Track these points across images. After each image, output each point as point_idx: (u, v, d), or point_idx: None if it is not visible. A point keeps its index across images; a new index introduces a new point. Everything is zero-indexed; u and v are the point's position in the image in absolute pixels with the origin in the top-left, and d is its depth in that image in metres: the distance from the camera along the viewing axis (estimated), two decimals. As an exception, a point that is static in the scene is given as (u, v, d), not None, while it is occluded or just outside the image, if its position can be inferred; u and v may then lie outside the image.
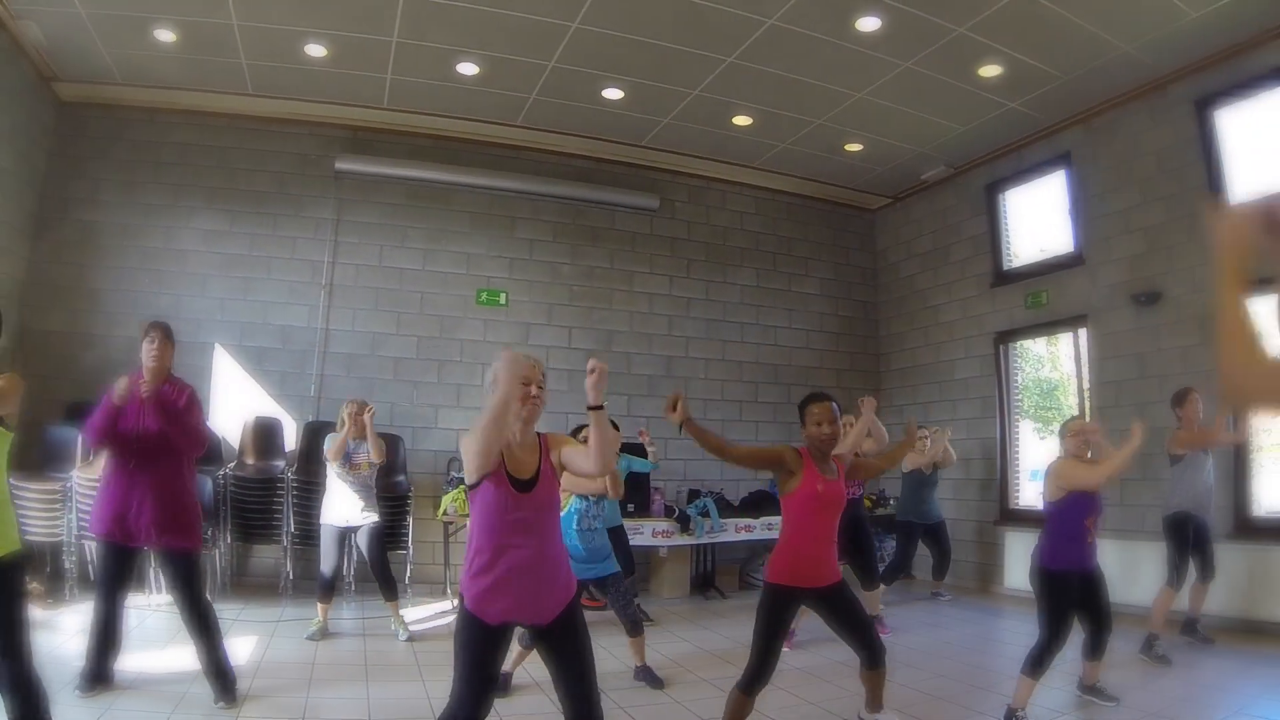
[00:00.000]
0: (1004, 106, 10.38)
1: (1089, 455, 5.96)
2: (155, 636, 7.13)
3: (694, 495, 11.32)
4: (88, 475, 8.33)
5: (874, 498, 12.00)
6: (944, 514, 10.91)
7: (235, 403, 10.16)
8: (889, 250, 14.17)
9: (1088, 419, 9.07)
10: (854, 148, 11.91)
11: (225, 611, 6.63)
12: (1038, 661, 5.51)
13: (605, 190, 12.23)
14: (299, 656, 6.98)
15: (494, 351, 10.78)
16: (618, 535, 8.19)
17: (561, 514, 6.11)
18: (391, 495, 9.62)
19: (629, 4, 8.45)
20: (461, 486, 9.72)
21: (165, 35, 8.98)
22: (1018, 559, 10.72)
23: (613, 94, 10.42)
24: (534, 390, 3.81)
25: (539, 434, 3.90)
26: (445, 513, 9.70)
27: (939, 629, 9.03)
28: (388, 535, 8.57)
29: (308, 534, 9.45)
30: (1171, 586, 7.66)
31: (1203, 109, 9.30)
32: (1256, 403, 1.86)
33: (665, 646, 7.65)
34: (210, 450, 7.88)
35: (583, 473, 3.87)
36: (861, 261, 14.29)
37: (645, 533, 10.11)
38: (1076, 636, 5.80)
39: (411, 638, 7.81)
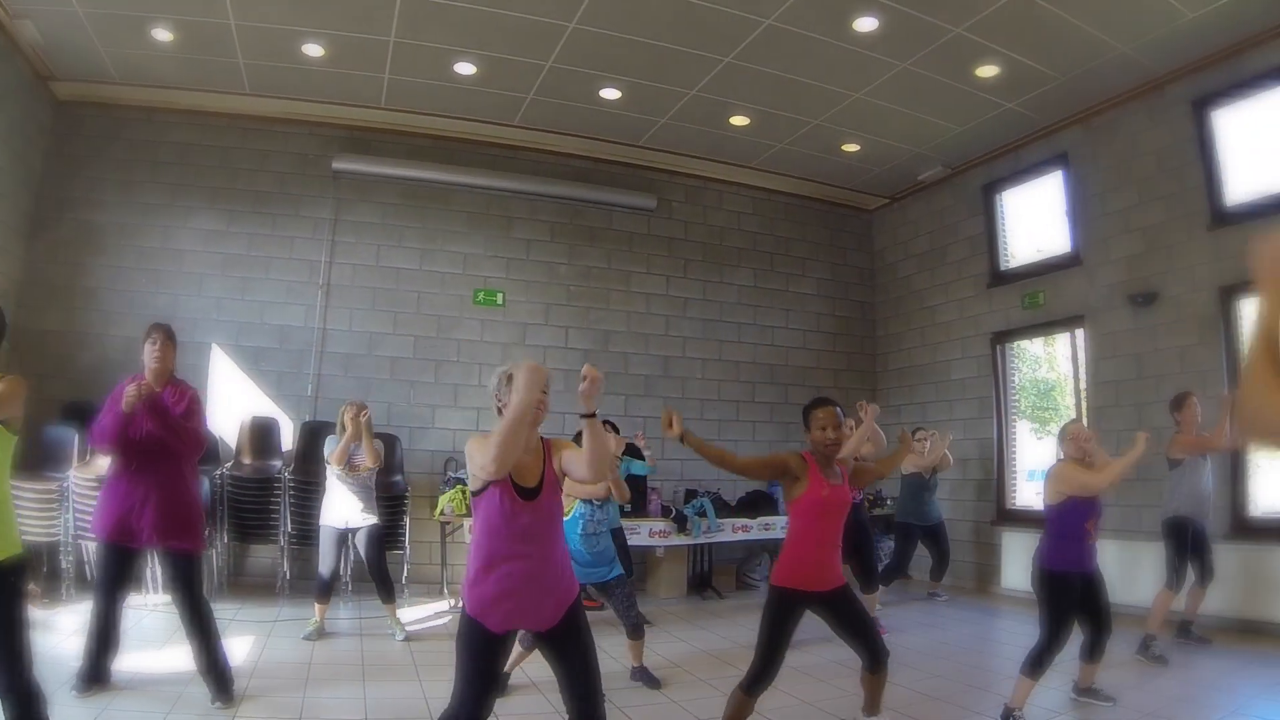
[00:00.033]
0: (1001, 107, 10.38)
1: (1088, 459, 5.96)
2: (152, 636, 7.12)
3: (691, 495, 11.30)
4: (85, 475, 8.34)
5: (872, 498, 11.98)
6: (943, 514, 10.92)
7: (232, 402, 10.15)
8: (886, 250, 14.17)
9: (1084, 420, 9.09)
10: (851, 148, 11.91)
11: (222, 611, 6.63)
12: (1037, 662, 5.52)
13: (602, 190, 12.23)
14: (296, 656, 6.96)
15: (491, 351, 10.95)
16: (617, 536, 8.18)
17: (566, 519, 6.13)
18: (388, 495, 9.61)
19: (626, 4, 8.45)
20: (459, 486, 9.73)
21: (162, 34, 8.97)
22: (1015, 559, 10.74)
23: (610, 94, 10.42)
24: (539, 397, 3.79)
25: (542, 439, 3.89)
26: (442, 512, 9.69)
27: (936, 629, 9.04)
28: (385, 536, 8.55)
29: (305, 534, 9.46)
30: (1171, 588, 7.67)
31: (1200, 109, 9.30)
32: (1275, 439, 1.84)
33: (662, 647, 7.65)
34: (207, 450, 7.86)
35: (580, 479, 3.86)
36: (858, 262, 14.29)
37: (642, 533, 10.10)
38: (1076, 637, 5.81)
39: (408, 638, 7.80)
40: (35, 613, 5.11)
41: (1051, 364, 12.66)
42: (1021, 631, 8.24)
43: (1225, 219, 9.00)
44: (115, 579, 5.57)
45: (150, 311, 9.70)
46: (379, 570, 7.90)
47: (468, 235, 11.58)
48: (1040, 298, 11.16)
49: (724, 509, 11.14)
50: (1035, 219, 11.78)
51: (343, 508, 7.80)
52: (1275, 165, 8.54)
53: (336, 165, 10.91)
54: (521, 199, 11.88)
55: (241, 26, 8.86)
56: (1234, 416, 1.73)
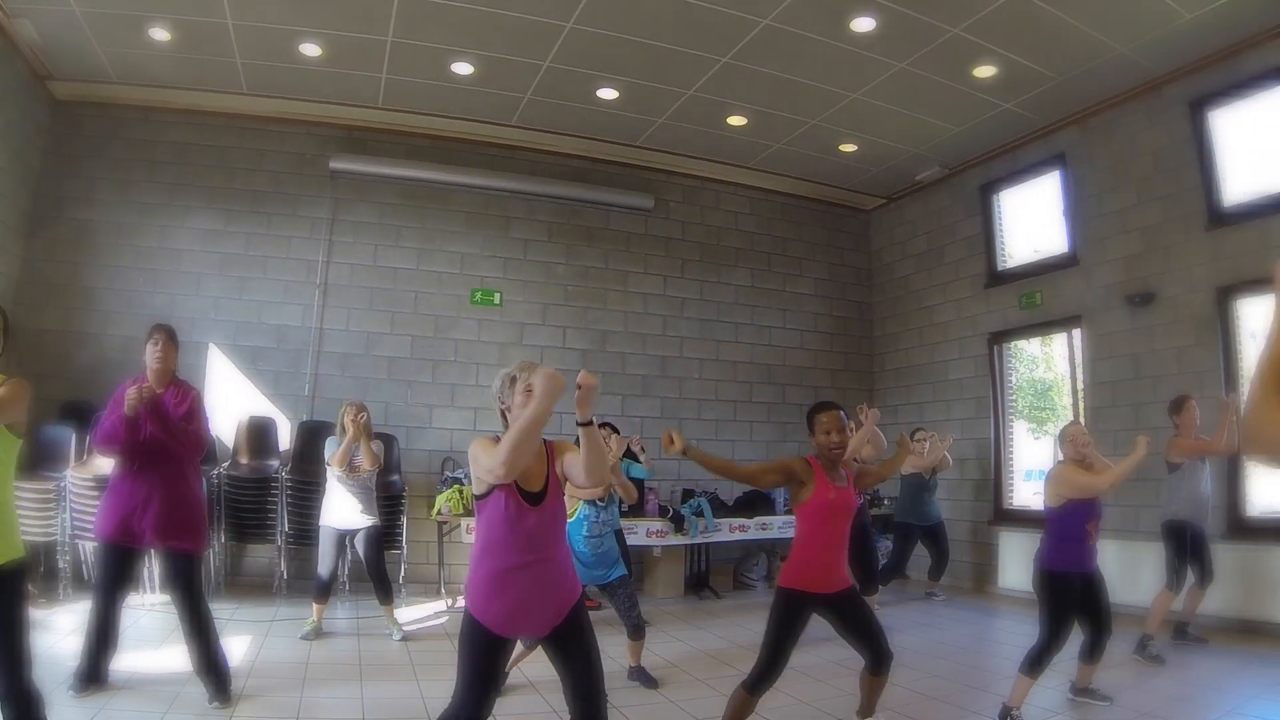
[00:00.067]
0: (999, 107, 10.39)
1: (1088, 461, 5.97)
2: (150, 636, 7.11)
3: (688, 495, 11.29)
4: (82, 475, 8.33)
5: (869, 498, 11.98)
6: (942, 515, 10.94)
7: (229, 402, 10.14)
8: (883, 251, 14.17)
9: (1082, 421, 9.09)
10: (849, 148, 11.92)
11: (219, 611, 6.62)
12: (1036, 661, 5.54)
13: (600, 190, 12.23)
14: (293, 656, 6.96)
15: (488, 351, 10.98)
16: (617, 537, 8.19)
17: (570, 520, 6.13)
18: (385, 495, 9.59)
19: (624, 4, 8.45)
20: (456, 486, 9.74)
21: (160, 34, 8.96)
22: (1012, 559, 10.76)
23: (607, 94, 10.41)
24: None
25: (545, 441, 3.87)
26: (439, 512, 9.69)
27: (933, 629, 9.04)
28: (384, 536, 8.54)
29: (302, 534, 9.46)
30: (1171, 589, 7.70)
31: (1198, 110, 9.31)
32: (1276, 456, 1.84)
33: (659, 646, 7.64)
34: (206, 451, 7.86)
35: (579, 485, 3.85)
36: (856, 262, 14.30)
37: (639, 533, 10.10)
38: (1075, 637, 5.82)
39: (405, 638, 7.80)
40: (33, 613, 5.11)
41: (1049, 364, 12.68)
42: (1019, 631, 8.26)
43: (1222, 220, 9.01)
44: (115, 579, 5.56)
45: (148, 311, 9.72)
46: (378, 571, 7.89)
47: (465, 235, 11.58)
48: (1037, 298, 11.17)
49: (721, 509, 11.13)
50: (1033, 219, 11.79)
51: (343, 509, 7.79)
52: (1272, 166, 8.56)
53: (334, 165, 10.90)
54: (519, 199, 11.88)
55: (239, 26, 8.86)
56: (1237, 429, 1.73)
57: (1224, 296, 8.95)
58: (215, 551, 9.21)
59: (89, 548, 8.45)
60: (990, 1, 8.09)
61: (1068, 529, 5.76)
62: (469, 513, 9.58)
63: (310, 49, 9.36)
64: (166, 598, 6.61)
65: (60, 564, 8.25)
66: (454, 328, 11.34)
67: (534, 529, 3.65)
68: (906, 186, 13.34)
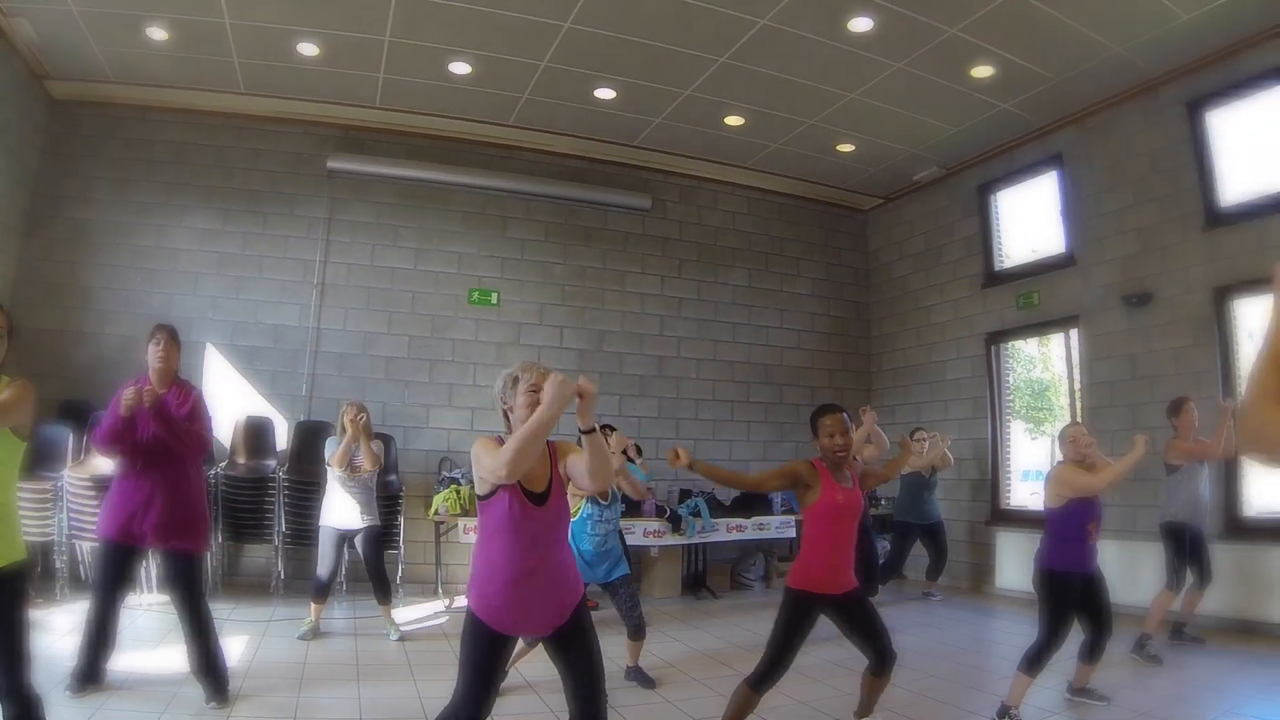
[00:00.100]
0: (996, 107, 10.40)
1: (1088, 461, 5.98)
2: (147, 636, 7.11)
3: (685, 495, 11.30)
4: (79, 475, 8.33)
5: (868, 499, 11.98)
6: (942, 514, 10.96)
7: (227, 402, 10.12)
8: (881, 251, 14.18)
9: (1079, 420, 9.10)
10: (846, 148, 11.92)
11: (217, 611, 6.59)
12: (1035, 660, 5.55)
13: (597, 190, 12.23)
14: (290, 656, 6.96)
15: (486, 351, 10.99)
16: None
17: (573, 519, 6.14)
18: (383, 495, 9.57)
19: (621, 4, 8.45)
20: (454, 486, 9.74)
21: (157, 33, 8.96)
22: (1010, 559, 10.77)
23: (605, 94, 10.41)
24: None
25: (548, 442, 3.86)
26: (437, 512, 9.69)
27: (931, 629, 9.04)
28: (383, 536, 8.54)
29: (299, 534, 9.47)
30: (1170, 589, 7.72)
31: (1195, 110, 9.32)
32: (1276, 456, 1.84)
33: (656, 646, 7.62)
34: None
35: (583, 487, 3.85)
36: (853, 262, 14.30)
37: (637, 533, 10.10)
38: (1074, 637, 5.82)
39: (403, 638, 7.80)
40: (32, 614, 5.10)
41: (1046, 364, 12.69)
42: (1017, 631, 8.27)
43: (1220, 220, 9.02)
44: (115, 579, 5.56)
45: (145, 310, 9.73)
46: (377, 571, 7.89)
47: (463, 235, 11.58)
48: (1035, 298, 11.18)
49: (718, 509, 11.13)
50: (1030, 219, 11.80)
51: (343, 509, 7.78)
52: (1269, 166, 8.57)
53: (331, 165, 10.90)
54: (516, 199, 11.88)
55: (236, 25, 8.85)
56: (1236, 430, 1.73)
57: (1221, 297, 8.96)
58: (212, 551, 9.19)
59: (86, 548, 8.45)
60: (988, 2, 8.09)
61: (1068, 529, 5.77)
62: (466, 513, 9.61)
63: (308, 48, 9.35)
64: (165, 598, 6.60)
65: (57, 564, 8.24)
66: (451, 328, 11.34)
67: (537, 529, 3.65)
68: (904, 186, 13.34)
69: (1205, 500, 7.90)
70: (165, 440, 5.47)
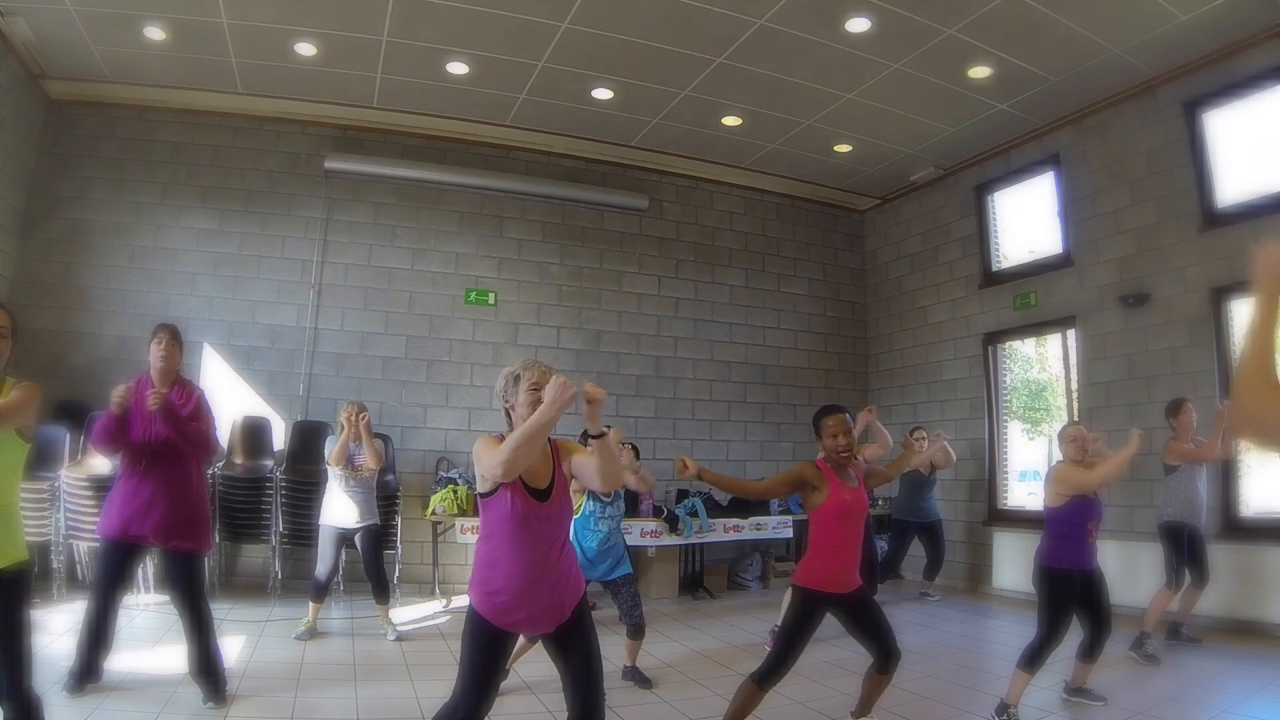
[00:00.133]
0: (993, 108, 10.40)
1: (1088, 460, 6.01)
2: (144, 636, 7.11)
3: (682, 495, 11.29)
4: (76, 475, 8.32)
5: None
6: (940, 514, 10.99)
7: (224, 402, 10.11)
8: (878, 251, 14.19)
9: (1076, 420, 9.11)
10: (843, 149, 11.93)
11: (214, 611, 6.60)
12: (1033, 657, 5.58)
13: (594, 190, 12.23)
14: (287, 657, 6.96)
15: (483, 351, 10.99)
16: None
17: (575, 517, 6.14)
18: (381, 495, 9.57)
19: (618, 4, 8.45)
20: (451, 486, 9.74)
21: (155, 33, 8.95)
22: (1006, 559, 10.78)
23: (602, 94, 10.41)
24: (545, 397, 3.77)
25: (550, 440, 3.88)
26: (434, 512, 9.70)
27: (928, 629, 9.04)
28: (383, 536, 8.54)
29: (297, 534, 9.47)
30: (1170, 588, 7.75)
31: (1192, 111, 9.33)
32: (1269, 439, 1.84)
33: (654, 647, 7.62)
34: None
35: (592, 488, 3.87)
36: (850, 262, 14.31)
37: (634, 533, 10.10)
38: (1072, 637, 5.83)
39: (400, 638, 7.79)
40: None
41: (1043, 365, 12.70)
42: (1014, 632, 8.27)
43: (1216, 220, 9.03)
44: (115, 578, 5.55)
45: (142, 310, 9.74)
46: (376, 570, 7.89)
47: (459, 235, 11.57)
48: (1032, 298, 11.18)
49: (715, 509, 11.13)
50: (1027, 220, 11.82)
51: (343, 508, 7.77)
52: (1266, 166, 8.57)
53: (328, 165, 10.89)
54: (513, 199, 11.88)
55: (234, 25, 8.85)
56: (1230, 416, 1.72)
57: (1218, 297, 8.97)
58: (210, 552, 9.20)
59: (83, 548, 8.45)
60: (985, 2, 8.10)
61: (1068, 528, 5.81)
62: (464, 513, 9.62)
63: (305, 49, 9.35)
64: (163, 598, 6.60)
65: (54, 564, 8.24)
66: (448, 328, 11.34)
67: (540, 525, 3.66)
68: (901, 187, 13.35)
69: (1203, 500, 7.92)
70: (173, 440, 5.48)
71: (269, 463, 9.86)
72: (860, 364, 14.11)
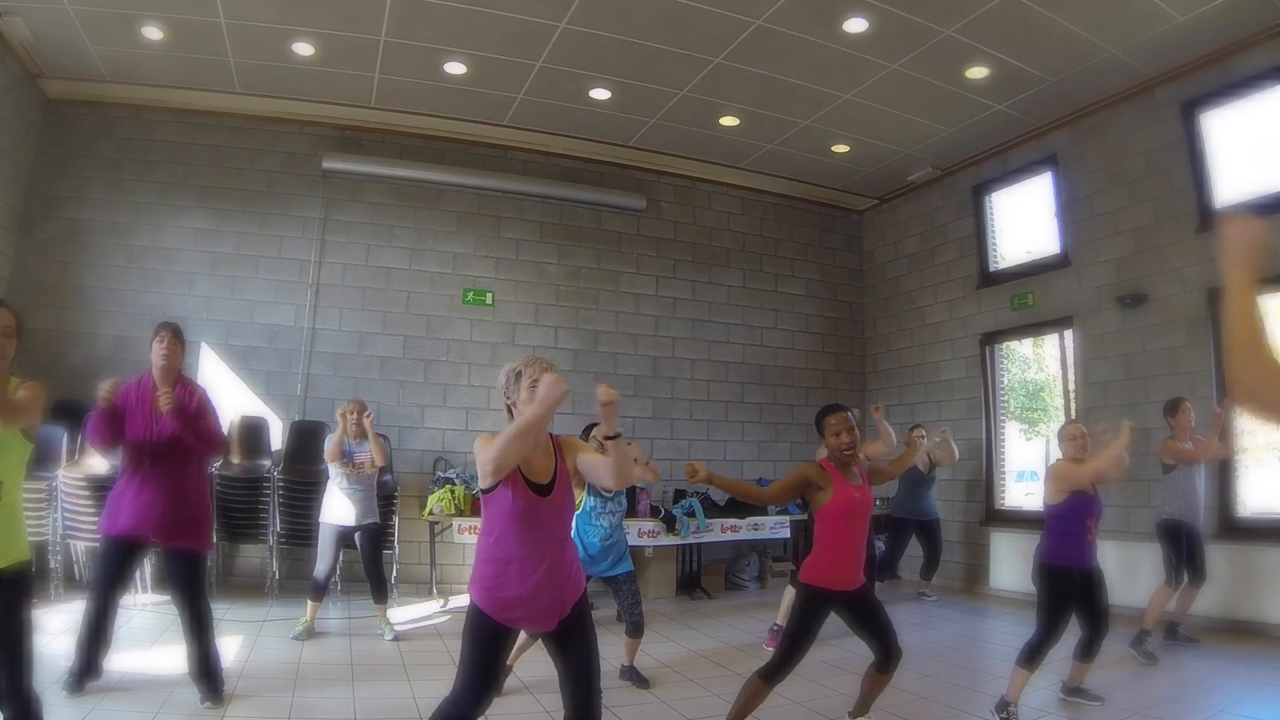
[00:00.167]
0: (991, 108, 10.41)
1: (1088, 456, 6.04)
2: (142, 636, 7.10)
3: (680, 495, 11.30)
4: (73, 475, 8.32)
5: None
6: (939, 513, 11.01)
7: (222, 402, 10.10)
8: (875, 251, 14.20)
9: (1075, 418, 9.13)
10: (841, 149, 11.93)
11: (212, 611, 6.60)
12: (1033, 654, 5.61)
13: (592, 190, 12.24)
14: (285, 657, 6.95)
15: (480, 351, 10.98)
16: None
17: (577, 513, 6.14)
18: (379, 494, 9.57)
19: (616, 4, 8.45)
20: (448, 486, 9.74)
21: (153, 33, 8.95)
22: (1004, 559, 10.79)
23: (600, 94, 10.41)
24: None
25: (552, 435, 3.90)
26: (431, 512, 9.70)
27: (925, 629, 9.04)
28: (382, 535, 8.54)
29: (294, 534, 9.47)
30: (1169, 585, 7.78)
31: (1190, 111, 9.34)
32: (1268, 408, 1.85)
33: (651, 646, 7.62)
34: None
35: (602, 485, 3.89)
36: (848, 262, 14.32)
37: (631, 533, 10.06)
38: (1070, 636, 5.85)
39: (397, 638, 7.78)
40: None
41: (1041, 365, 12.70)
42: (1011, 632, 8.27)
43: (1214, 221, 9.02)
44: (115, 577, 5.55)
45: (140, 310, 9.74)
46: (374, 570, 7.90)
47: (457, 235, 11.57)
48: (1029, 299, 11.19)
49: (713, 509, 11.13)
50: (1024, 220, 11.83)
51: (344, 507, 7.77)
52: (1264, 167, 8.57)
53: (326, 164, 10.88)
54: (511, 199, 11.88)
55: (232, 25, 8.85)
56: (1229, 389, 1.72)
57: (1216, 297, 8.94)
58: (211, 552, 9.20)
59: (80, 548, 8.45)
60: (983, 3, 8.11)
61: (1068, 524, 5.85)
62: (461, 513, 9.62)
63: (303, 48, 9.35)
64: (162, 598, 6.60)
65: (52, 564, 8.23)
66: (446, 328, 11.33)
67: (540, 520, 3.67)
68: (898, 187, 13.36)
69: (1201, 498, 7.94)
70: (178, 439, 5.49)
71: (266, 463, 9.86)
72: (858, 364, 14.11)
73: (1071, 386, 10.69)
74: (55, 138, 10.18)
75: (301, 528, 9.33)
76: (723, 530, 10.96)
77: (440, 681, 3.73)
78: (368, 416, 7.84)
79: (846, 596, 4.92)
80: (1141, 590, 8.28)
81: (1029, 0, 8.04)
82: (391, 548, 9.88)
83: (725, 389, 12.93)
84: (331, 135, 11.12)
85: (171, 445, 5.47)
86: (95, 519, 7.77)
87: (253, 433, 10.05)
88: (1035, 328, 11.40)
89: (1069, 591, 5.73)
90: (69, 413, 8.80)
